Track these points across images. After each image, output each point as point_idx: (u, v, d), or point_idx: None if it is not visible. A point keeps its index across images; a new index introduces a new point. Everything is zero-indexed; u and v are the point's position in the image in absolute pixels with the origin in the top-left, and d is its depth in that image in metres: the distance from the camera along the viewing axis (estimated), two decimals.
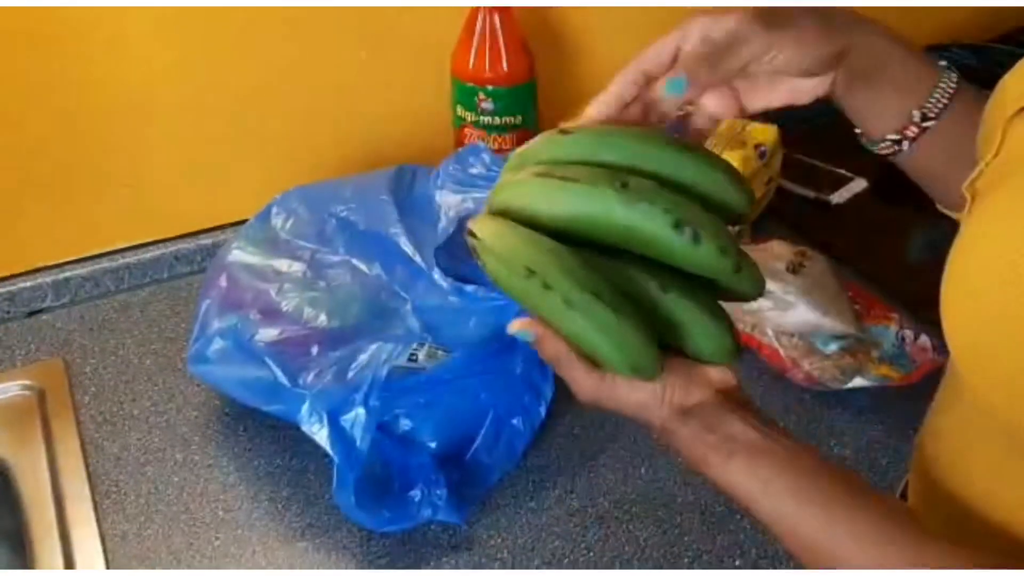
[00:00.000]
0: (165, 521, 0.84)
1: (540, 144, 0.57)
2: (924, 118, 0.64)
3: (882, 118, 0.66)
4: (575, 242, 0.54)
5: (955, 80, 0.65)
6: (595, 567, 0.79)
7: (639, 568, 0.79)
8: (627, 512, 0.84)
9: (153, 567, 0.80)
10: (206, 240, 1.13)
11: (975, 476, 0.58)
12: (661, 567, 0.79)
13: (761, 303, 0.97)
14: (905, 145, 0.65)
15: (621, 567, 0.79)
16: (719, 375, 0.57)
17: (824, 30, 0.60)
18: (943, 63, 0.66)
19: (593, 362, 0.55)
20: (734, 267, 0.53)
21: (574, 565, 0.79)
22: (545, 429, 0.89)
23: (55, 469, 0.88)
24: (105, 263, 1.09)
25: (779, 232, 1.11)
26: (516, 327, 0.56)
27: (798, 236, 1.10)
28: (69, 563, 0.80)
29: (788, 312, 0.96)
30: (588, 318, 0.52)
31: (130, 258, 1.10)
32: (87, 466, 0.88)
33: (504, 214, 0.55)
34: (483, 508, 0.84)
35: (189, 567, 0.80)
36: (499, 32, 1.08)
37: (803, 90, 0.63)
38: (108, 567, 0.80)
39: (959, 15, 1.43)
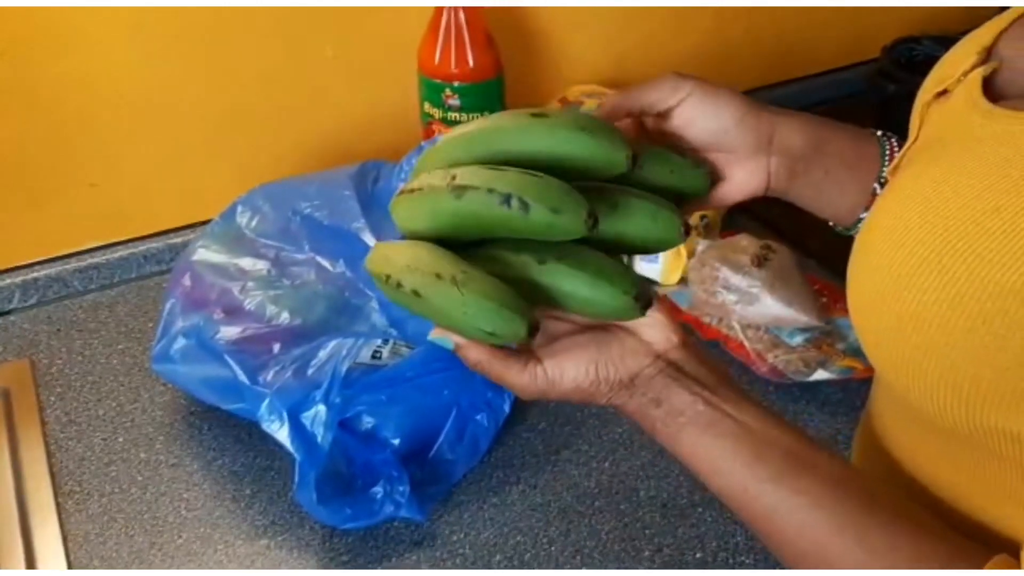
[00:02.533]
0: (128, 521, 0.83)
1: (425, 154, 0.61)
2: (883, 185, 0.64)
3: (845, 199, 0.66)
4: (463, 243, 0.56)
5: (894, 139, 0.66)
6: (557, 561, 0.79)
7: (601, 562, 0.79)
8: (589, 506, 0.84)
9: (115, 567, 0.80)
10: (175, 239, 1.13)
11: (900, 452, 0.58)
12: (622, 560, 0.79)
13: (726, 296, 0.97)
14: None
15: (583, 561, 0.79)
16: (658, 337, 0.56)
17: (736, 108, 0.63)
18: (876, 131, 0.67)
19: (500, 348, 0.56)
20: (582, 222, 0.52)
21: (536, 560, 0.80)
22: (508, 424, 0.89)
23: (19, 470, 0.88)
24: (73, 263, 1.09)
25: (747, 226, 1.12)
26: (435, 335, 0.56)
27: (765, 230, 1.10)
28: (31, 563, 0.80)
29: (753, 305, 0.96)
30: (437, 299, 0.53)
31: (98, 258, 1.10)
32: (51, 466, 0.88)
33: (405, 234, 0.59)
34: (445, 504, 0.84)
35: (151, 567, 0.80)
36: (464, 28, 1.08)
37: (737, 182, 0.64)
38: (70, 567, 0.79)
39: (928, 11, 1.43)
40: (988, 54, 0.56)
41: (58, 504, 0.85)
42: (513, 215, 0.52)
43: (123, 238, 1.12)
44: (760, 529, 0.54)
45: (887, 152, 0.66)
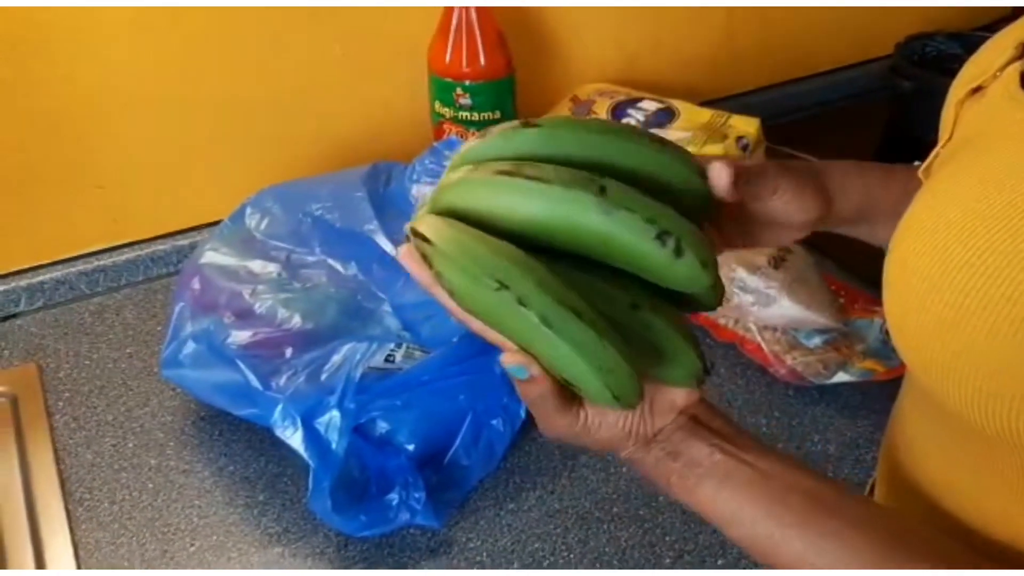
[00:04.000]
0: (139, 528, 0.82)
1: (496, 139, 0.51)
2: None
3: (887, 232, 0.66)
4: (528, 248, 0.48)
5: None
6: (576, 568, 0.78)
7: (620, 568, 0.78)
8: (608, 512, 0.83)
9: (128, 570, 0.78)
10: (182, 241, 1.12)
11: (932, 462, 0.57)
12: (642, 567, 0.78)
13: (743, 297, 0.96)
14: None
15: (602, 568, 0.78)
16: (684, 396, 0.55)
17: (815, 197, 0.61)
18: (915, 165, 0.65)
19: (566, 387, 0.51)
20: (711, 282, 0.48)
21: (554, 567, 0.78)
22: (524, 430, 0.88)
23: (28, 475, 0.87)
24: (79, 266, 1.08)
25: None
26: (511, 361, 0.50)
27: None
28: (41, 569, 0.79)
29: (771, 306, 0.95)
30: (568, 339, 0.46)
31: (105, 261, 1.09)
32: (60, 473, 0.87)
33: (450, 215, 0.50)
34: (462, 510, 0.83)
35: (163, 570, 0.79)
36: (476, 27, 1.07)
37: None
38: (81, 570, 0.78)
39: (941, 7, 1.42)
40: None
41: (68, 511, 0.83)
42: (660, 257, 0.47)
43: (129, 240, 1.11)
44: (789, 572, 0.52)
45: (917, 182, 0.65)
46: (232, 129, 1.10)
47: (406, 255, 0.51)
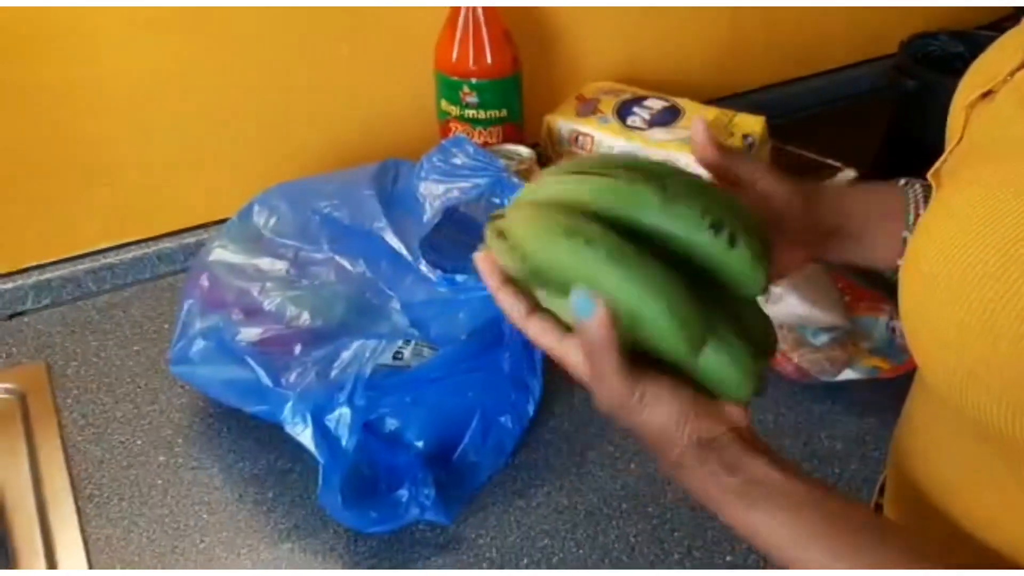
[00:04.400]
0: (149, 524, 0.82)
1: (563, 164, 0.55)
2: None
3: (876, 255, 0.67)
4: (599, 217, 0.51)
5: (919, 188, 0.65)
6: (585, 565, 0.78)
7: (629, 565, 0.78)
8: (616, 509, 0.83)
9: (137, 570, 0.79)
10: (189, 239, 1.12)
11: (945, 467, 0.57)
12: (652, 563, 0.78)
13: None
14: None
15: (611, 564, 0.78)
16: (737, 413, 0.54)
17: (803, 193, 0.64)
18: (898, 182, 0.68)
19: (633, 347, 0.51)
20: (765, 280, 0.51)
21: (563, 563, 0.79)
22: (532, 426, 0.89)
23: (37, 473, 0.87)
24: (86, 264, 1.08)
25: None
26: (579, 295, 0.50)
27: None
28: (52, 567, 0.79)
29: (777, 304, 0.95)
30: (636, 269, 0.48)
31: (112, 258, 1.09)
32: (70, 470, 0.87)
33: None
34: (471, 507, 0.83)
35: (174, 570, 0.79)
36: (483, 25, 1.07)
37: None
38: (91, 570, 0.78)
39: (945, 6, 1.42)
40: None
41: (78, 508, 0.84)
42: (719, 245, 0.50)
43: (136, 238, 1.11)
44: None
45: (911, 201, 0.66)
46: (239, 128, 1.10)
47: (480, 259, 0.55)
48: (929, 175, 0.58)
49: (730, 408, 0.55)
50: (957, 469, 0.56)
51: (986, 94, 0.55)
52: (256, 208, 0.97)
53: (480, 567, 0.79)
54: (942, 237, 0.50)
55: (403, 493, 0.81)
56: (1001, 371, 0.46)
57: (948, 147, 0.57)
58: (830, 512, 0.52)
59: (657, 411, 0.53)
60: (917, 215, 0.64)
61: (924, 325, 0.50)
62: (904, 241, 0.66)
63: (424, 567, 0.79)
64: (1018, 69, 0.53)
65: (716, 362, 0.52)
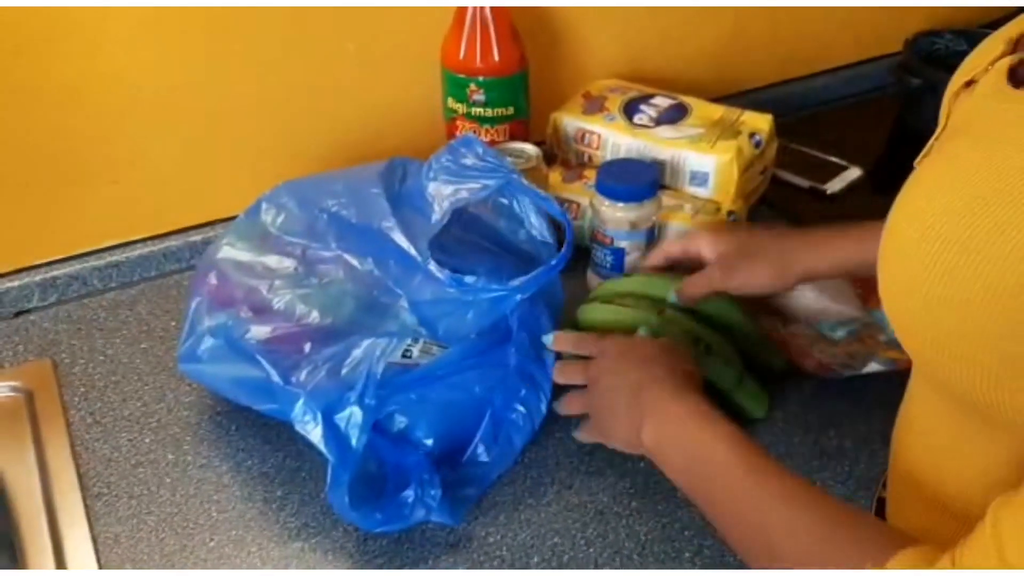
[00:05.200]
0: (158, 523, 0.82)
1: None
2: None
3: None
4: None
5: None
6: (595, 563, 0.78)
7: (639, 563, 0.78)
8: (626, 506, 0.83)
9: (146, 569, 0.79)
10: (195, 237, 1.12)
11: (936, 449, 0.59)
12: (662, 561, 0.78)
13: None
14: None
15: (621, 563, 0.78)
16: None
17: (770, 276, 0.88)
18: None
19: None
20: (736, 380, 0.88)
21: (574, 561, 0.79)
22: (543, 424, 0.88)
23: (45, 471, 0.87)
24: (92, 261, 1.08)
25: (775, 222, 1.11)
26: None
27: (794, 226, 1.09)
28: (61, 566, 0.79)
29: (794, 298, 0.95)
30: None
31: (118, 256, 1.09)
32: (78, 468, 0.87)
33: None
34: (481, 506, 0.83)
35: (183, 568, 0.79)
36: (490, 22, 1.07)
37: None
38: (100, 569, 0.78)
39: (949, 6, 1.42)
40: (1015, 45, 0.57)
41: (86, 506, 0.83)
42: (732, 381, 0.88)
43: (142, 236, 1.11)
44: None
45: None
46: (245, 126, 1.10)
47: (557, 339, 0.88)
48: (916, 162, 0.60)
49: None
50: (947, 448, 0.58)
51: (969, 83, 0.58)
52: (264, 206, 0.97)
53: (491, 566, 0.78)
54: (913, 215, 0.53)
55: (409, 494, 0.80)
56: (971, 341, 0.48)
57: (934, 136, 0.59)
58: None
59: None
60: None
61: (901, 299, 0.53)
62: None
63: (434, 565, 0.79)
64: (999, 58, 0.55)
65: (746, 393, 0.89)
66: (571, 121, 1.16)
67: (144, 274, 1.10)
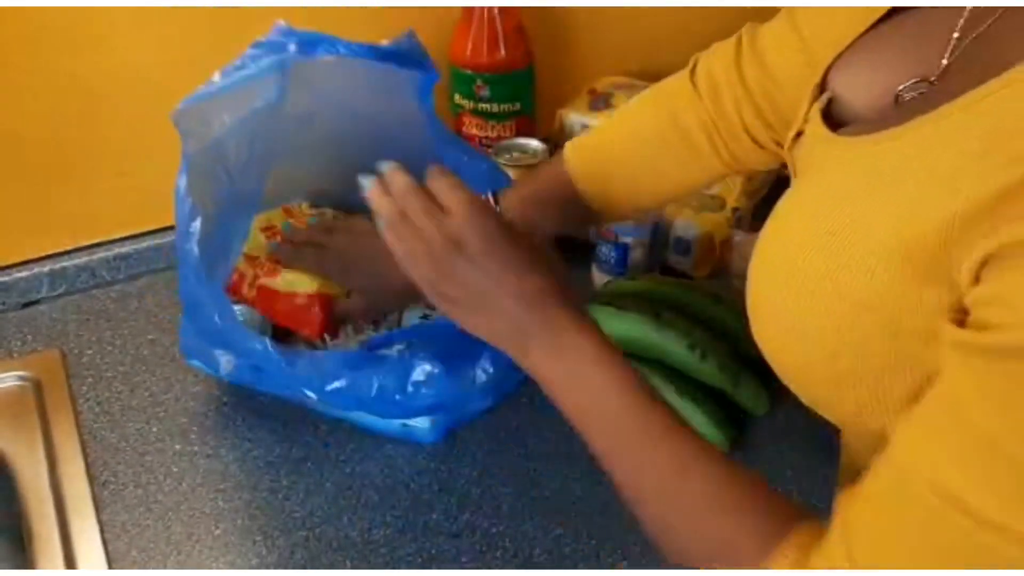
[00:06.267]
0: (165, 511, 0.83)
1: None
2: None
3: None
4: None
5: None
6: (597, 555, 0.79)
7: (641, 555, 0.79)
8: None
9: (153, 557, 0.79)
10: None
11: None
12: (664, 555, 0.79)
13: None
14: None
15: (624, 555, 0.79)
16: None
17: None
18: None
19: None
20: (732, 381, 0.89)
21: (577, 552, 0.79)
22: (545, 414, 0.88)
23: (53, 460, 0.88)
24: (101, 253, 1.09)
25: None
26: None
27: None
28: (68, 553, 0.80)
29: None
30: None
31: (126, 248, 1.10)
32: (85, 456, 0.88)
33: None
34: (484, 496, 0.84)
35: (189, 557, 0.79)
36: (497, 19, 1.08)
37: None
38: (107, 557, 0.79)
39: None
40: (821, 89, 0.63)
41: (94, 494, 0.84)
42: (693, 359, 0.88)
43: (150, 228, 1.11)
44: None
45: None
46: None
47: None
48: (786, 148, 0.67)
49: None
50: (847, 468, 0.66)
51: (797, 136, 0.65)
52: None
53: (493, 555, 0.79)
54: (759, 251, 0.60)
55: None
56: (824, 364, 0.54)
57: (797, 127, 0.65)
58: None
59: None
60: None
61: (764, 317, 0.59)
62: None
63: (437, 555, 0.79)
64: (809, 108, 0.63)
65: (745, 392, 0.90)
66: (577, 117, 1.17)
67: (152, 266, 1.11)
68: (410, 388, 0.81)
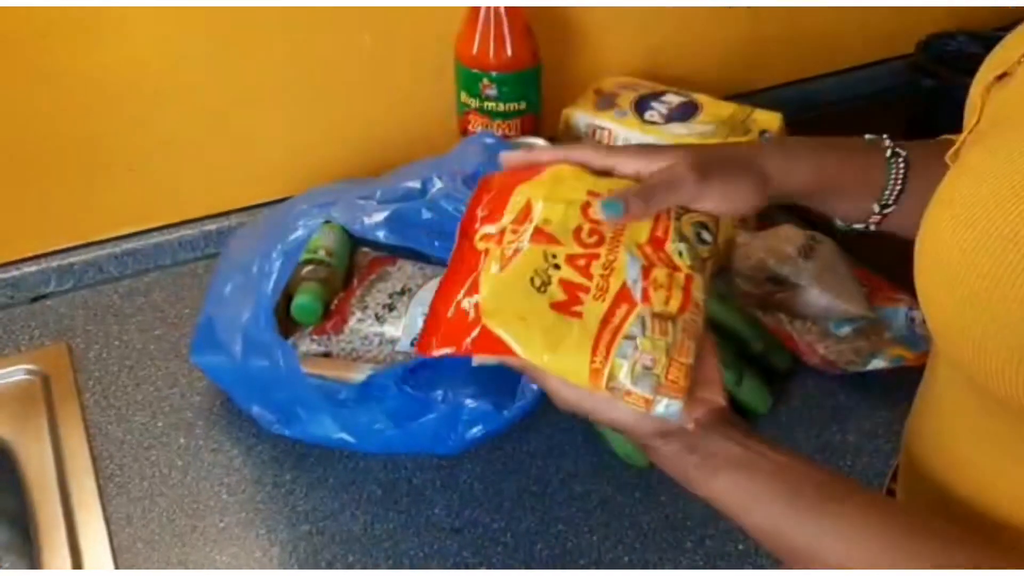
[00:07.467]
0: (170, 504, 0.84)
1: None
2: (884, 207, 0.67)
3: (840, 214, 0.70)
4: None
5: (903, 163, 0.67)
6: (598, 551, 0.79)
7: (641, 552, 0.79)
8: (630, 496, 0.84)
9: (157, 550, 0.80)
10: (210, 226, 1.13)
11: (959, 445, 0.58)
12: (664, 550, 0.79)
13: (773, 287, 0.97)
14: (872, 227, 0.69)
15: (624, 551, 0.79)
16: (708, 393, 0.58)
17: (752, 190, 0.63)
18: (886, 143, 0.68)
19: None
20: (734, 381, 0.88)
21: (577, 549, 0.80)
22: (546, 414, 0.89)
23: (59, 453, 0.88)
24: (108, 249, 1.09)
25: (783, 218, 1.11)
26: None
27: (801, 221, 1.10)
28: (74, 546, 0.80)
29: (801, 296, 0.96)
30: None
31: (134, 243, 1.10)
32: (91, 450, 0.89)
33: None
34: (486, 491, 0.84)
35: (193, 549, 0.80)
36: (504, 17, 1.08)
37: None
38: (113, 550, 0.80)
39: (962, 7, 1.42)
40: None
41: (99, 486, 0.85)
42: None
43: (158, 224, 1.12)
44: (803, 559, 0.54)
45: (894, 175, 0.67)
46: (261, 116, 1.11)
47: None
48: (948, 157, 0.59)
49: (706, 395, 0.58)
50: (965, 442, 0.57)
51: (1000, 77, 0.56)
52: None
53: (494, 551, 0.80)
54: (956, 204, 0.50)
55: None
56: (1010, 334, 0.46)
57: (966, 129, 0.58)
58: (791, 479, 0.55)
59: (611, 412, 0.56)
60: (898, 189, 0.67)
61: (938, 290, 0.51)
62: (870, 211, 0.68)
63: (439, 550, 0.80)
64: None
65: (747, 392, 0.89)
66: (583, 117, 1.17)
67: (159, 262, 1.12)
68: (461, 428, 0.82)
